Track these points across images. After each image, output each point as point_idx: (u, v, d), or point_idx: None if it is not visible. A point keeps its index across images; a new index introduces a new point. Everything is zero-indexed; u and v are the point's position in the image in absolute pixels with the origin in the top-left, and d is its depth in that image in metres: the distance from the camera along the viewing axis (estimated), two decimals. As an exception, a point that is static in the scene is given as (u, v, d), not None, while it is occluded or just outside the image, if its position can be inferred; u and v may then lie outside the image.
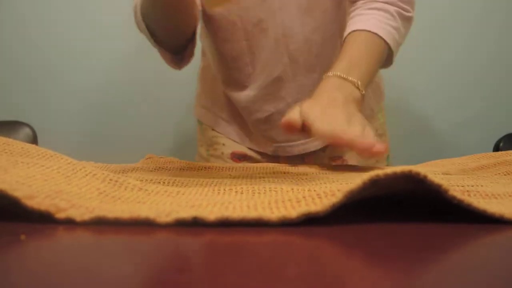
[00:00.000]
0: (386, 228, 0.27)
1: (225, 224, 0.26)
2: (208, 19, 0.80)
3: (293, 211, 0.26)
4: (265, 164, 0.63)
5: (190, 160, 0.71)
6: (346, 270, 0.20)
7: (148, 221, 0.25)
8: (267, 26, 0.75)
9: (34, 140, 1.15)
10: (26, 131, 1.16)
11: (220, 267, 0.20)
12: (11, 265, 0.19)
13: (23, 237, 0.23)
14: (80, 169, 0.34)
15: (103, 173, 0.34)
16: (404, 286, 0.18)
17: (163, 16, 0.66)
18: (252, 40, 0.77)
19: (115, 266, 0.19)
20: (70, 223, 0.26)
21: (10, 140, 0.40)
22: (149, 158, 0.69)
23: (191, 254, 0.22)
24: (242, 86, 0.81)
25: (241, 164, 0.65)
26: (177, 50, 0.74)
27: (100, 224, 0.26)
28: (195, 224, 0.26)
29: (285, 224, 0.26)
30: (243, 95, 0.81)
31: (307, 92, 0.76)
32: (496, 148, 1.19)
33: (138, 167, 0.55)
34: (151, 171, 0.53)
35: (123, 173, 0.48)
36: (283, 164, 0.65)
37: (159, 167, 0.57)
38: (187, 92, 1.20)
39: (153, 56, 1.33)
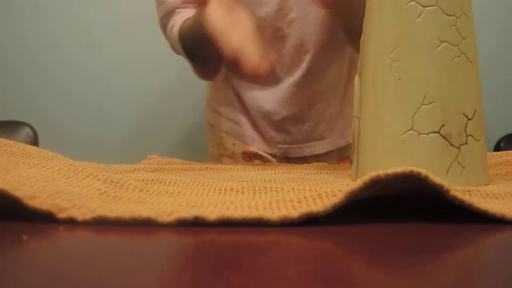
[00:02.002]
0: (387, 228, 0.27)
1: (226, 224, 0.26)
2: None
3: (294, 211, 0.26)
4: (266, 164, 0.64)
5: (193, 160, 0.71)
6: (347, 271, 0.20)
7: (149, 221, 0.25)
8: (285, 34, 0.79)
9: (34, 140, 1.15)
10: (27, 131, 1.16)
11: (220, 267, 0.20)
12: (14, 265, 0.19)
13: (25, 237, 0.23)
14: (81, 171, 0.34)
15: (104, 175, 0.34)
16: (405, 286, 0.18)
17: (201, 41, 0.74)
18: (270, 49, 0.80)
19: (116, 265, 0.19)
20: (71, 223, 0.26)
21: (12, 141, 0.41)
22: (152, 158, 0.69)
23: (192, 254, 0.23)
24: (261, 89, 0.84)
25: (241, 165, 0.65)
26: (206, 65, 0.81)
27: (101, 224, 0.26)
28: (196, 224, 0.26)
29: (286, 224, 0.26)
30: (261, 98, 0.84)
31: (320, 97, 0.82)
32: (497, 148, 1.19)
33: (140, 168, 0.55)
34: (153, 171, 0.53)
35: (124, 173, 0.48)
36: (284, 164, 0.65)
37: (161, 168, 0.57)
38: (191, 92, 1.21)
39: (155, 57, 1.33)
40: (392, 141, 0.41)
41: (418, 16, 0.41)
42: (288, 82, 0.81)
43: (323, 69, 0.81)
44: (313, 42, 0.79)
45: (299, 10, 0.78)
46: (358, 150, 0.44)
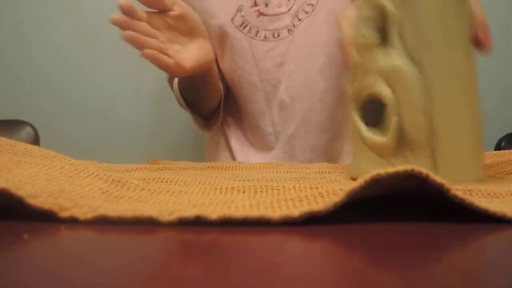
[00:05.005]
0: (387, 228, 0.28)
1: (228, 223, 0.26)
2: (232, 79, 0.85)
3: (295, 210, 0.26)
4: (267, 163, 0.64)
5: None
6: (347, 270, 0.20)
7: (151, 220, 0.25)
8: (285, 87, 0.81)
9: (35, 139, 1.15)
10: (28, 130, 1.16)
11: (222, 266, 0.20)
12: (15, 265, 0.20)
13: (26, 236, 0.23)
14: (83, 170, 0.34)
15: (106, 174, 0.34)
16: (405, 286, 0.18)
17: (197, 90, 0.81)
18: (271, 101, 0.82)
19: (117, 264, 0.19)
20: (73, 222, 0.26)
21: (13, 141, 0.41)
22: (153, 162, 0.70)
23: (193, 253, 0.23)
24: (266, 147, 0.85)
25: (242, 164, 0.65)
26: (206, 116, 0.88)
27: (103, 223, 0.26)
28: (198, 223, 0.26)
29: (287, 223, 0.26)
30: (267, 155, 0.85)
31: (319, 152, 0.82)
32: (498, 147, 1.19)
33: (141, 167, 0.55)
34: (154, 170, 0.53)
35: (126, 172, 0.49)
36: (285, 163, 0.65)
37: (162, 167, 0.57)
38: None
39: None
40: (478, 139, 0.40)
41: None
42: (287, 134, 0.82)
43: (322, 121, 0.81)
44: (311, 95, 0.80)
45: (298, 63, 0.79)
46: (437, 151, 0.39)
